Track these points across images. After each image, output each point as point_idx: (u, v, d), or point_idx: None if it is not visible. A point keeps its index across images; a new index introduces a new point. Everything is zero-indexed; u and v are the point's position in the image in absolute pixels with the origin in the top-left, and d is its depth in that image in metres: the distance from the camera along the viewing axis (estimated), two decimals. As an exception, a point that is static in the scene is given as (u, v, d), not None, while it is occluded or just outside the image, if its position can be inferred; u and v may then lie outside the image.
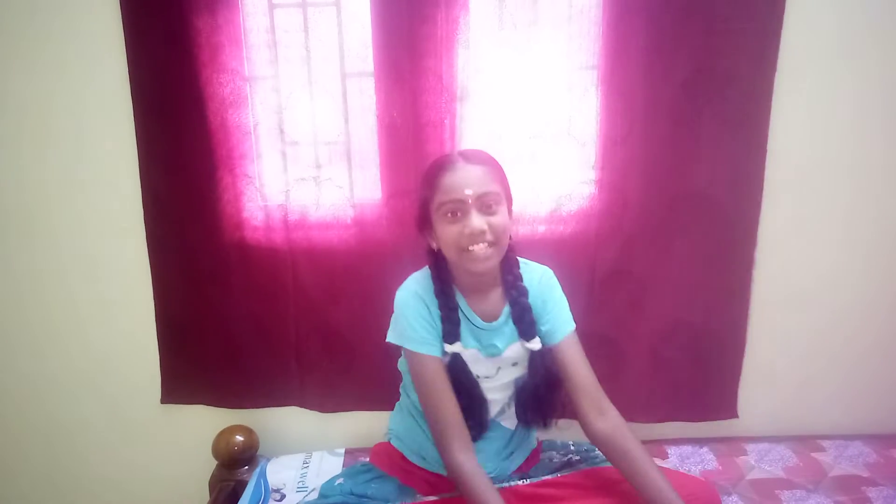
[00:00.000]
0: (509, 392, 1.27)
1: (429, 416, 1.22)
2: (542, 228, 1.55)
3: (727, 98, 1.46)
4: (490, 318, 1.26)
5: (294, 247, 1.56)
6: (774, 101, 1.48)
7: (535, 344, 1.23)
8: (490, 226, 1.15)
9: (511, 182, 1.23)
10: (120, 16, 1.44)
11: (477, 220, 1.14)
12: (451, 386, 1.21)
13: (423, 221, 1.23)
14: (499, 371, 1.26)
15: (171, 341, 1.64)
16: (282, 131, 1.52)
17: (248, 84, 1.50)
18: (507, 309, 1.26)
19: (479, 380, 1.24)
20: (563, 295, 1.30)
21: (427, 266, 1.28)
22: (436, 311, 1.23)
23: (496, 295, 1.27)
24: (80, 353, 1.69)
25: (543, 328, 1.25)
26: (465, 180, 1.15)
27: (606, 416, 1.20)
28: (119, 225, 1.59)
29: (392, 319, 1.28)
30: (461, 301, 1.25)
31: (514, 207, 1.52)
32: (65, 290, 1.65)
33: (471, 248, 1.15)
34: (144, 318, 1.63)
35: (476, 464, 1.17)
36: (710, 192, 1.51)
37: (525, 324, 1.23)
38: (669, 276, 1.56)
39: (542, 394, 1.23)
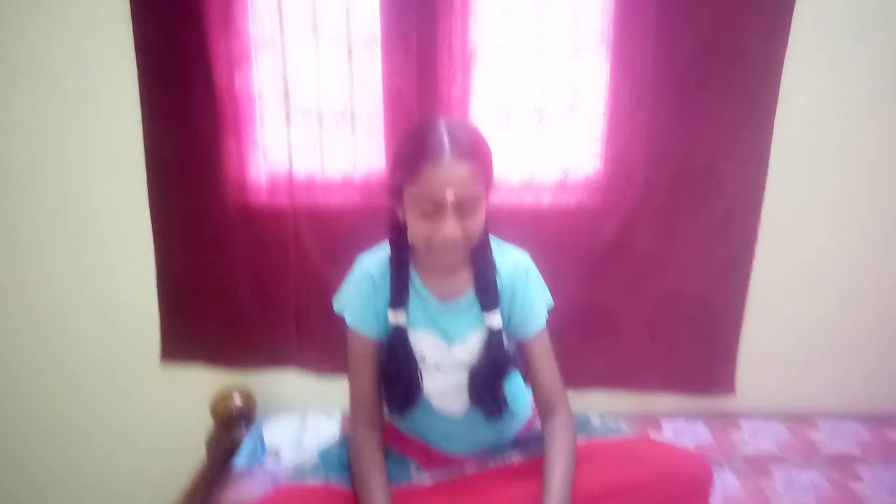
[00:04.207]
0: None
1: (350, 385, 1.23)
2: (547, 199, 1.55)
3: (735, 74, 1.45)
4: (449, 297, 1.21)
5: (297, 211, 1.56)
6: (783, 78, 1.46)
7: (496, 319, 1.17)
8: (465, 230, 1.06)
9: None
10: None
11: (452, 228, 1.04)
12: (388, 355, 1.19)
13: (395, 190, 1.13)
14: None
15: (171, 302, 1.65)
16: (287, 96, 1.51)
17: (254, 48, 1.50)
18: (472, 291, 1.20)
19: (438, 368, 1.21)
20: (540, 286, 1.24)
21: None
22: (383, 289, 1.19)
23: (461, 275, 1.20)
24: (80, 312, 1.70)
25: (513, 320, 1.21)
26: (449, 180, 1.02)
27: (552, 420, 1.17)
28: (121, 185, 1.59)
29: (341, 285, 1.27)
30: (415, 278, 1.21)
31: (521, 176, 1.53)
32: (66, 250, 1.65)
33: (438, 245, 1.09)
34: (145, 279, 1.64)
35: (375, 442, 1.18)
36: (715, 167, 1.51)
37: (488, 295, 1.17)
38: (671, 249, 1.56)
39: (493, 378, 1.19)
